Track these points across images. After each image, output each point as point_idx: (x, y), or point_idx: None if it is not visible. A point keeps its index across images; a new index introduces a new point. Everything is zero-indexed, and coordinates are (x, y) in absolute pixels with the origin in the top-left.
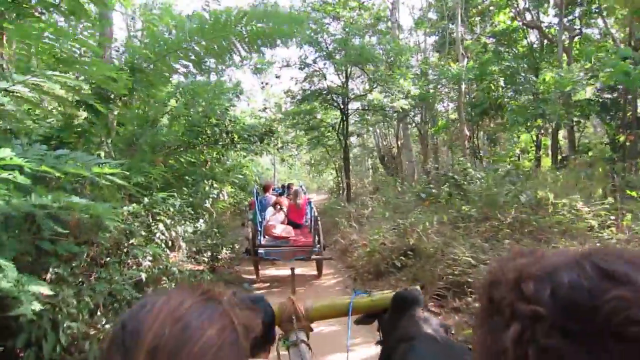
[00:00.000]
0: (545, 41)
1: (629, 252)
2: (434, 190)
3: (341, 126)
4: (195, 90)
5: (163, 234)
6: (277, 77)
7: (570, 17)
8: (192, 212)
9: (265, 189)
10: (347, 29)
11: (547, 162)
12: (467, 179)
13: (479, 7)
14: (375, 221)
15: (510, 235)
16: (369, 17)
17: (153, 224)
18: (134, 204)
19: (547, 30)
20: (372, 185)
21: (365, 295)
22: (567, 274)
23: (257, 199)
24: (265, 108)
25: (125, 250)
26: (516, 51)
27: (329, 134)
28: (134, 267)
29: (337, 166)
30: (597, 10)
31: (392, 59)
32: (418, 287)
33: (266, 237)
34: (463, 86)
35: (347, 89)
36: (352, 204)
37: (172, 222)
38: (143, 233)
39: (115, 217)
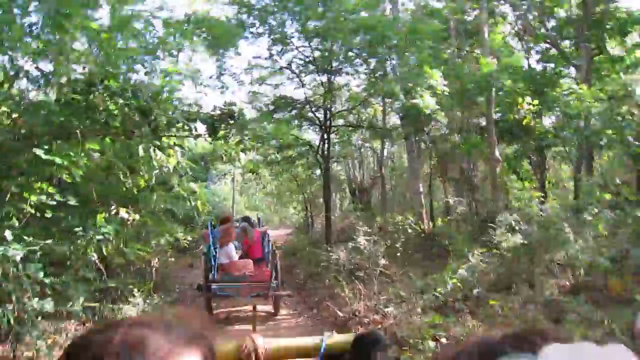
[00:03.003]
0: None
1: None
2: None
3: (321, 146)
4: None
5: None
6: (240, 82)
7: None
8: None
9: (222, 221)
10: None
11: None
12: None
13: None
14: (386, 280)
15: None
16: None
17: None
18: None
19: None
20: (342, 223)
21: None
22: None
23: (210, 232)
24: (221, 74)
25: None
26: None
27: (307, 152)
28: None
29: (305, 197)
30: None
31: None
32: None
33: (220, 272)
34: (493, 95)
35: (330, 95)
36: (336, 245)
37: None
38: None
39: None
